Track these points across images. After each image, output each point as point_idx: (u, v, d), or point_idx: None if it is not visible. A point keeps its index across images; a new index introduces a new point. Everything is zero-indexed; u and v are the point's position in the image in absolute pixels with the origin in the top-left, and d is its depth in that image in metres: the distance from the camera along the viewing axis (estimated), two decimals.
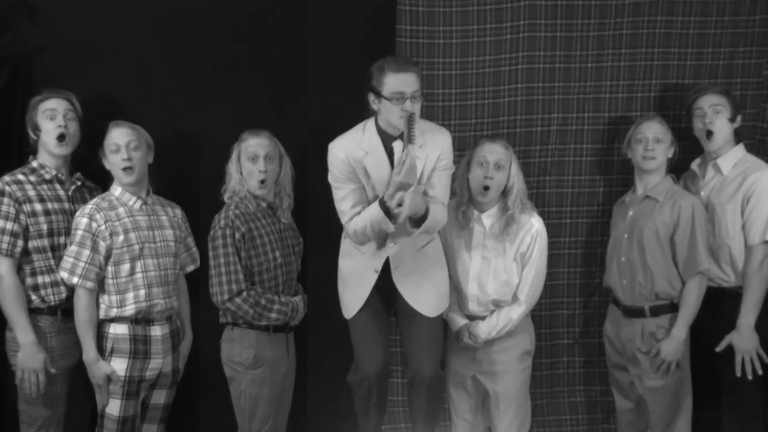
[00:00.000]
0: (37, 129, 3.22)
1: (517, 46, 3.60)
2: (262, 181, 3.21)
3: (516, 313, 3.29)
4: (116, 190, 3.21)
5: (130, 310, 3.13)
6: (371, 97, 3.06)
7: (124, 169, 3.15)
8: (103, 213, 3.13)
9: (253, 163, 3.22)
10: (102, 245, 3.11)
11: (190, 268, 3.42)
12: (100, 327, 3.14)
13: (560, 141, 3.70)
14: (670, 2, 3.59)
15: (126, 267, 3.14)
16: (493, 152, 3.25)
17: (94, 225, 3.10)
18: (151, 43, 3.61)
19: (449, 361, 3.41)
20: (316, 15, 3.66)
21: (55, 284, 3.17)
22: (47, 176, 3.23)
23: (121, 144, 3.16)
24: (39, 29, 3.55)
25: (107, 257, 3.12)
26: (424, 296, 3.20)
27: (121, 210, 3.18)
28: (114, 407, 3.13)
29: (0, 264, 3.10)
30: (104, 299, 3.15)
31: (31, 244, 3.15)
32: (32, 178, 3.21)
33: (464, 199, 3.32)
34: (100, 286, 3.15)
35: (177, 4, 3.62)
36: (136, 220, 3.19)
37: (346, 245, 3.27)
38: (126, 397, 3.13)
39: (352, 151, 3.11)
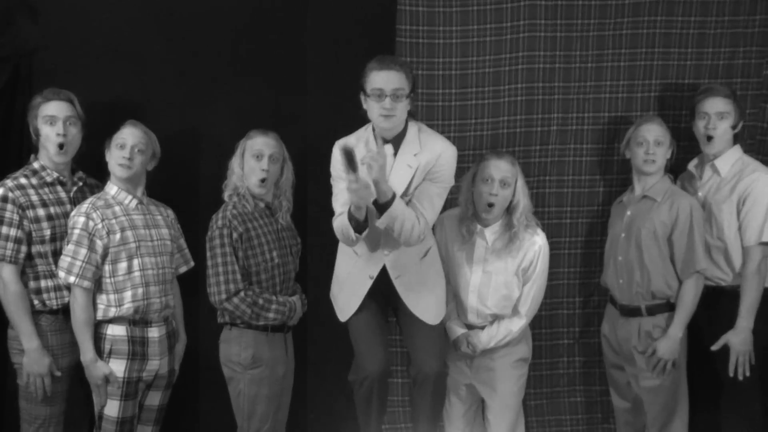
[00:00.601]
0: (37, 133, 3.21)
1: (517, 46, 3.60)
2: (263, 180, 3.21)
3: (516, 325, 3.29)
4: (111, 189, 3.21)
5: (128, 308, 3.13)
6: (362, 97, 3.07)
7: (121, 164, 3.15)
8: (99, 211, 3.12)
9: (256, 161, 3.22)
10: (99, 244, 3.11)
11: (183, 269, 3.42)
12: (98, 328, 3.14)
13: (560, 141, 3.70)
14: (670, 2, 3.59)
15: (123, 265, 3.14)
16: (499, 169, 3.21)
17: (91, 224, 3.10)
18: (151, 43, 3.61)
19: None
20: (316, 15, 3.66)
21: (57, 288, 3.17)
22: (49, 179, 3.22)
23: (128, 144, 3.16)
24: (39, 29, 3.55)
25: (104, 256, 3.12)
26: (427, 306, 3.20)
27: (117, 208, 3.18)
28: (112, 408, 3.13)
29: (4, 270, 3.10)
30: (102, 299, 3.14)
31: (34, 249, 3.15)
32: (34, 180, 3.20)
33: (468, 213, 3.29)
34: (98, 286, 3.14)
35: (177, 4, 3.62)
36: (132, 218, 3.19)
37: (343, 248, 3.27)
38: (124, 398, 3.13)
39: (357, 151, 3.09)
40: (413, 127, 3.14)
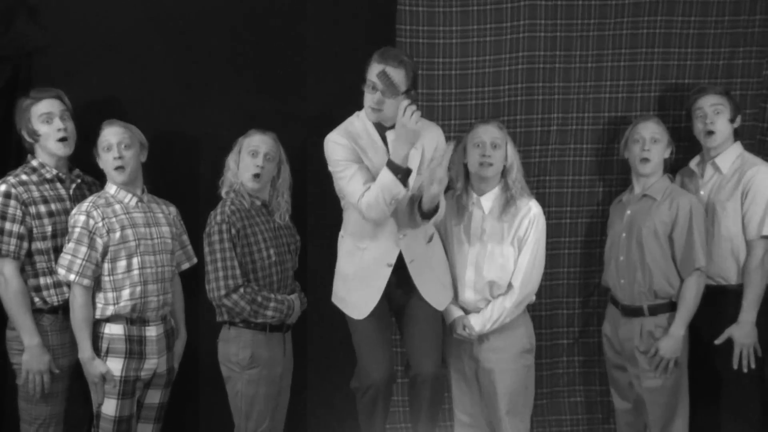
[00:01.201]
0: (35, 134, 3.21)
1: (517, 46, 3.60)
2: (256, 175, 3.21)
3: (509, 301, 3.25)
4: (111, 188, 3.22)
5: (125, 306, 3.13)
6: (364, 86, 3.08)
7: (116, 168, 3.16)
8: (100, 210, 3.13)
9: (252, 158, 3.23)
10: (99, 242, 3.11)
11: (185, 266, 3.42)
12: (96, 327, 3.14)
13: (560, 141, 3.70)
14: (670, 2, 3.59)
15: (123, 264, 3.14)
16: (487, 133, 3.26)
17: (92, 222, 3.11)
18: (151, 43, 3.61)
19: (449, 358, 3.40)
20: (316, 15, 3.66)
21: (57, 285, 3.18)
22: (48, 175, 3.23)
23: (113, 143, 3.16)
24: (39, 29, 3.55)
25: (104, 254, 3.12)
26: (434, 290, 3.21)
27: (117, 207, 3.18)
28: (110, 407, 3.13)
29: (6, 266, 3.11)
30: (100, 297, 3.15)
31: (34, 245, 3.15)
32: (34, 177, 3.21)
33: (459, 184, 3.31)
34: (97, 284, 3.15)
35: (177, 4, 3.62)
36: (133, 216, 3.19)
37: (345, 245, 3.26)
38: (122, 396, 3.13)
39: (351, 136, 3.11)
40: None
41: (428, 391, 3.17)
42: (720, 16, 3.62)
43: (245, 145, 3.25)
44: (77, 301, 3.10)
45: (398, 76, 2.99)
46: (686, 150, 3.56)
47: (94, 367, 3.11)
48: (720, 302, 3.31)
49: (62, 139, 3.20)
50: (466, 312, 3.32)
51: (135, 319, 3.16)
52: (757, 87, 3.68)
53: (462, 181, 3.32)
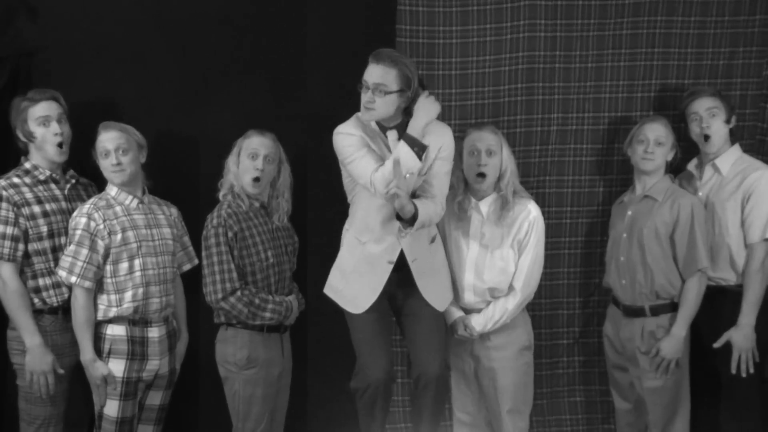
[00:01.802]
0: (31, 136, 3.20)
1: (517, 46, 3.60)
2: (256, 179, 3.21)
3: (511, 303, 3.27)
4: (112, 189, 3.22)
5: (127, 308, 3.13)
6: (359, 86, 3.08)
7: (114, 172, 3.15)
8: (101, 212, 3.13)
9: (251, 160, 3.22)
10: (100, 244, 3.11)
11: (187, 267, 3.43)
12: (98, 328, 3.14)
13: (560, 141, 3.70)
14: (670, 2, 3.59)
15: (124, 265, 3.14)
16: (482, 140, 3.26)
17: (93, 224, 3.10)
18: (151, 43, 3.61)
19: (449, 356, 3.39)
20: (316, 15, 3.66)
21: (56, 286, 3.17)
22: (42, 177, 3.23)
23: (110, 149, 3.15)
24: (39, 29, 3.55)
25: (105, 256, 3.12)
26: (435, 290, 3.21)
27: (118, 209, 3.18)
28: (112, 408, 3.13)
29: (3, 269, 3.10)
30: (102, 299, 3.15)
31: (31, 246, 3.15)
32: (27, 179, 3.21)
33: (460, 190, 3.32)
34: (98, 286, 3.15)
35: (177, 4, 3.62)
36: (133, 218, 3.19)
37: (347, 239, 3.25)
38: (124, 398, 3.14)
39: (358, 128, 3.11)
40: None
41: (432, 391, 3.17)
42: (720, 16, 3.62)
43: (244, 147, 3.25)
44: (78, 302, 3.10)
45: (389, 75, 2.98)
46: (685, 150, 3.55)
47: (95, 369, 3.11)
48: (719, 303, 3.31)
49: (59, 145, 3.19)
50: (466, 312, 3.32)
51: (137, 320, 3.16)
52: (757, 87, 3.68)
53: (461, 186, 3.32)
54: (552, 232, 3.60)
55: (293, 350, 3.42)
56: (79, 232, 3.10)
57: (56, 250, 3.17)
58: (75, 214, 3.15)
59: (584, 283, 3.80)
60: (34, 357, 3.10)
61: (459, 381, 3.42)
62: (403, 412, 3.76)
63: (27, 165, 3.24)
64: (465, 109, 3.65)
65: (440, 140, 3.12)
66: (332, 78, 3.63)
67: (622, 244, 3.40)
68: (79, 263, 3.08)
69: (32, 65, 3.56)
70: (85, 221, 3.11)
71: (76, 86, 3.37)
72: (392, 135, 3.07)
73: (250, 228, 3.21)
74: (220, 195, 3.27)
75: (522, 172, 3.45)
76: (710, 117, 3.35)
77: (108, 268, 3.13)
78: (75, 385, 3.26)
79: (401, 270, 3.15)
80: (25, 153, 3.28)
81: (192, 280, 3.43)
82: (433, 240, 3.24)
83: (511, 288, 3.30)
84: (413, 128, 2.99)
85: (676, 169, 3.48)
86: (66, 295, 3.17)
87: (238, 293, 3.13)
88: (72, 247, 3.10)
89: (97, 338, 3.14)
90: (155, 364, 3.20)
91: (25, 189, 3.18)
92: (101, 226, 3.11)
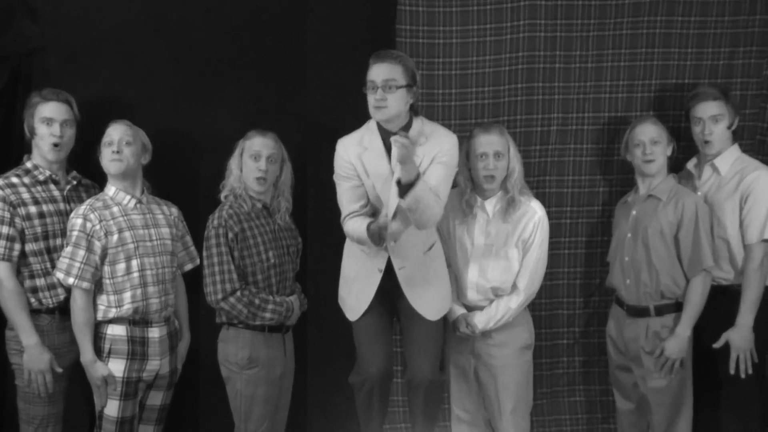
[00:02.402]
0: (33, 132, 3.22)
1: (517, 46, 3.60)
2: (261, 180, 3.21)
3: (515, 302, 3.28)
4: (110, 189, 3.21)
5: (127, 309, 3.13)
6: (364, 88, 3.07)
7: (112, 160, 3.15)
8: (97, 213, 3.12)
9: (254, 162, 3.22)
10: (97, 245, 3.11)
11: (189, 267, 3.42)
12: (98, 328, 3.14)
13: (560, 141, 3.70)
14: (670, 2, 3.60)
15: (122, 266, 3.14)
16: (490, 144, 3.25)
17: (89, 225, 3.10)
18: (151, 43, 3.61)
19: (449, 353, 3.40)
20: (317, 15, 3.66)
21: (52, 287, 3.17)
22: (41, 177, 3.23)
23: (115, 138, 3.16)
24: (39, 29, 3.55)
25: (103, 257, 3.12)
26: (427, 300, 3.20)
27: (115, 209, 3.17)
28: (112, 408, 3.13)
29: None
30: (102, 300, 3.14)
31: (28, 247, 3.14)
32: (26, 179, 3.20)
33: (467, 189, 3.32)
34: (98, 287, 3.14)
35: (177, 4, 3.62)
36: (131, 218, 3.19)
37: (349, 248, 3.27)
38: (124, 398, 3.13)
39: (352, 148, 3.13)
40: (417, 121, 3.14)
41: (422, 396, 3.19)
42: (720, 16, 3.62)
43: (246, 148, 3.25)
44: (77, 304, 3.10)
45: (396, 70, 3.00)
46: (686, 150, 3.56)
47: (95, 369, 3.11)
48: (719, 302, 3.31)
49: (55, 145, 3.19)
50: (469, 309, 3.33)
51: (138, 320, 3.16)
52: (757, 87, 3.68)
53: (468, 185, 3.32)
54: (552, 232, 3.58)
55: (294, 351, 3.41)
56: (75, 233, 3.10)
57: (52, 251, 3.17)
58: (71, 215, 3.15)
59: (584, 283, 3.80)
60: (31, 356, 3.10)
61: (459, 378, 3.41)
62: (403, 412, 3.76)
63: (28, 164, 3.25)
64: (465, 109, 3.65)
65: (437, 148, 3.09)
66: (332, 78, 3.63)
67: (627, 244, 3.40)
68: (76, 264, 3.08)
69: (32, 65, 3.56)
70: (81, 222, 3.10)
71: (75, 86, 3.37)
72: (395, 141, 3.03)
73: (251, 228, 3.21)
74: (222, 196, 3.27)
75: (520, 154, 3.42)
76: (713, 123, 3.35)
77: (106, 268, 3.13)
78: (75, 384, 3.26)
79: (394, 277, 3.16)
80: (29, 151, 3.28)
81: (193, 280, 3.43)
82: (429, 248, 3.22)
83: (514, 287, 3.30)
84: (381, 217, 3.08)
85: (674, 167, 3.48)
86: (62, 297, 3.17)
87: (238, 294, 3.14)
88: (69, 249, 3.10)
89: (98, 338, 3.14)
90: (156, 364, 3.20)
91: (22, 189, 3.17)
92: (97, 227, 3.11)
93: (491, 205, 3.31)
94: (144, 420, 3.27)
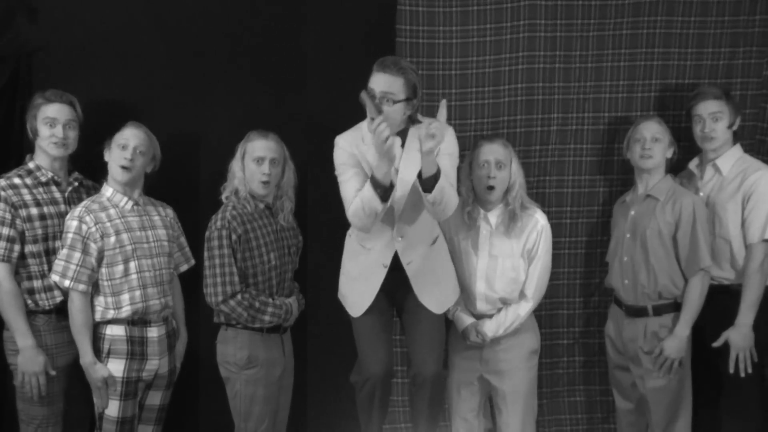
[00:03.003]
0: (35, 133, 3.22)
1: (517, 46, 3.60)
2: (265, 183, 3.21)
3: (524, 309, 3.31)
4: (107, 191, 3.21)
5: (126, 311, 3.13)
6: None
7: (123, 167, 3.15)
8: (93, 215, 3.12)
9: (257, 165, 3.21)
10: (93, 247, 3.10)
11: (184, 267, 3.43)
12: (97, 329, 3.14)
13: (560, 141, 3.70)
14: (670, 2, 3.60)
15: (120, 268, 3.14)
16: (493, 152, 3.28)
17: (84, 227, 3.10)
18: (151, 43, 3.61)
19: (454, 362, 3.41)
20: (316, 15, 3.66)
21: (49, 289, 3.17)
22: (43, 179, 3.23)
23: (130, 145, 3.16)
24: (39, 29, 3.55)
25: (99, 259, 3.12)
26: (434, 293, 3.21)
27: (112, 211, 3.17)
28: (112, 408, 3.13)
29: None
30: (100, 301, 3.15)
31: (27, 248, 3.15)
32: (28, 180, 3.20)
33: (470, 200, 3.34)
34: (95, 288, 3.14)
35: (177, 4, 3.62)
36: (128, 221, 3.19)
37: (350, 245, 3.27)
38: (124, 398, 3.14)
39: (354, 142, 3.12)
40: (413, 129, 3.12)
41: (428, 391, 3.18)
42: (720, 16, 3.62)
43: (248, 151, 3.23)
44: (75, 306, 3.10)
45: (396, 84, 2.97)
46: (686, 150, 3.56)
47: (95, 371, 3.11)
48: (720, 302, 3.31)
49: (56, 143, 3.19)
50: (478, 318, 3.34)
51: (136, 320, 3.16)
52: (757, 87, 3.68)
53: (470, 196, 3.34)
54: (552, 232, 3.57)
55: (294, 350, 3.41)
56: (70, 235, 3.10)
57: (50, 254, 3.17)
58: (67, 217, 3.14)
59: (584, 283, 3.80)
60: (26, 358, 3.10)
61: (462, 386, 3.41)
62: (403, 412, 3.76)
63: (30, 165, 3.25)
64: (465, 109, 3.65)
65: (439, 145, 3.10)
66: (332, 78, 3.63)
67: (625, 244, 3.41)
68: (72, 266, 3.08)
69: (32, 65, 3.56)
70: (77, 224, 3.10)
71: (75, 86, 3.37)
72: (396, 140, 3.05)
73: (254, 230, 3.20)
74: (223, 197, 3.26)
75: (522, 168, 3.43)
76: (713, 122, 3.35)
77: (103, 270, 3.13)
78: (74, 384, 3.25)
79: (400, 270, 3.16)
80: (30, 150, 3.28)
81: (191, 281, 3.43)
82: (434, 241, 3.24)
83: (522, 295, 3.33)
84: (377, 170, 2.91)
85: (676, 167, 3.48)
86: (58, 300, 3.17)
87: (239, 297, 3.13)
88: (64, 251, 3.09)
89: (97, 338, 3.14)
90: (155, 363, 3.20)
91: (24, 190, 3.17)
92: (93, 229, 3.10)
93: (494, 217, 3.32)
94: (143, 420, 3.27)
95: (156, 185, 3.38)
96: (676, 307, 3.33)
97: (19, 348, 3.11)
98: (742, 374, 3.25)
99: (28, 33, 3.55)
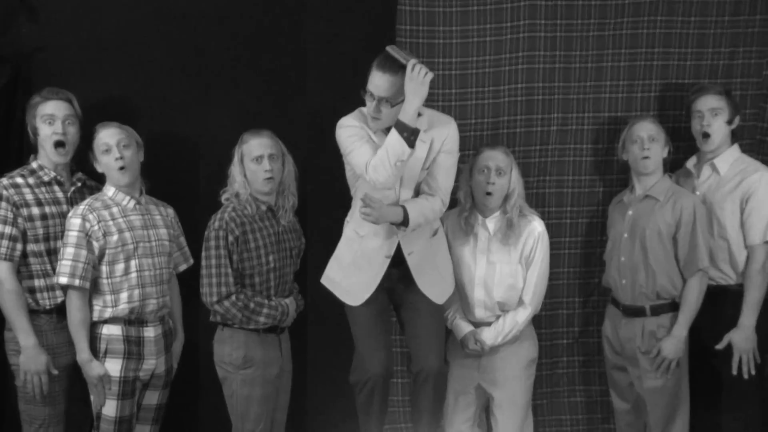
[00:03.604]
0: (35, 132, 3.22)
1: (517, 46, 3.60)
2: (269, 179, 3.20)
3: (522, 316, 3.31)
4: (109, 190, 3.21)
5: (123, 310, 3.14)
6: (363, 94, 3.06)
7: (120, 168, 3.15)
8: (95, 213, 3.12)
9: (257, 164, 3.20)
10: (95, 245, 3.11)
11: (183, 267, 3.43)
12: (94, 328, 3.14)
13: (560, 141, 3.70)
14: (670, 2, 3.59)
15: (120, 267, 3.14)
16: (493, 159, 3.28)
17: (87, 225, 3.10)
18: (151, 43, 3.61)
19: (451, 370, 3.38)
20: (316, 15, 3.66)
21: (50, 288, 3.17)
22: (46, 178, 3.23)
23: (112, 144, 3.16)
24: (39, 29, 3.55)
25: (100, 257, 3.12)
26: (434, 284, 3.21)
27: (114, 210, 3.17)
28: (110, 408, 3.13)
29: (0, 268, 3.10)
30: (98, 300, 3.15)
31: (28, 247, 3.15)
32: (31, 180, 3.20)
33: (467, 206, 3.34)
34: (94, 287, 3.14)
35: (177, 4, 3.62)
36: (130, 219, 3.19)
37: (348, 230, 3.25)
38: (121, 397, 3.14)
39: (359, 122, 3.10)
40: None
41: (431, 387, 3.18)
42: (720, 16, 3.62)
43: (246, 152, 3.22)
44: (73, 303, 3.10)
45: (395, 86, 2.96)
46: (686, 150, 3.56)
47: (92, 369, 3.11)
48: (719, 302, 3.31)
49: (58, 144, 3.18)
50: (476, 325, 3.34)
51: (133, 320, 3.16)
52: (757, 87, 3.68)
53: (468, 202, 3.34)
54: (552, 232, 3.59)
55: (293, 350, 3.41)
56: (74, 233, 3.10)
57: (52, 253, 3.17)
58: (70, 214, 3.14)
59: (584, 283, 3.80)
60: (28, 357, 3.11)
61: (459, 395, 3.40)
62: (403, 412, 3.76)
63: (33, 164, 3.25)
64: (465, 109, 3.65)
65: (443, 133, 3.12)
66: (332, 78, 3.63)
67: (623, 244, 3.40)
68: (80, 265, 3.08)
69: (32, 65, 3.56)
70: (80, 222, 3.10)
71: (76, 86, 3.36)
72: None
73: (254, 231, 3.20)
74: (223, 198, 3.25)
75: (522, 172, 3.45)
76: (712, 116, 3.35)
77: (104, 269, 3.13)
78: (75, 384, 3.25)
79: (400, 265, 3.16)
80: (31, 151, 3.28)
81: (191, 281, 3.43)
82: (435, 233, 3.24)
83: (520, 302, 3.33)
84: (404, 112, 2.93)
85: (673, 167, 3.48)
86: (59, 299, 3.17)
87: (233, 297, 3.13)
88: (69, 250, 3.09)
89: (93, 338, 3.14)
90: (151, 363, 3.20)
91: (26, 190, 3.17)
92: (95, 227, 3.10)
93: (492, 223, 3.32)
94: (141, 420, 3.27)
95: (156, 185, 3.38)
96: (673, 307, 3.32)
97: (21, 347, 3.11)
98: (746, 376, 3.24)
99: (28, 33, 3.54)
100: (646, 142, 3.34)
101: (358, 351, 3.23)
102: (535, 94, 3.65)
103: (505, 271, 3.30)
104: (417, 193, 3.17)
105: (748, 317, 3.25)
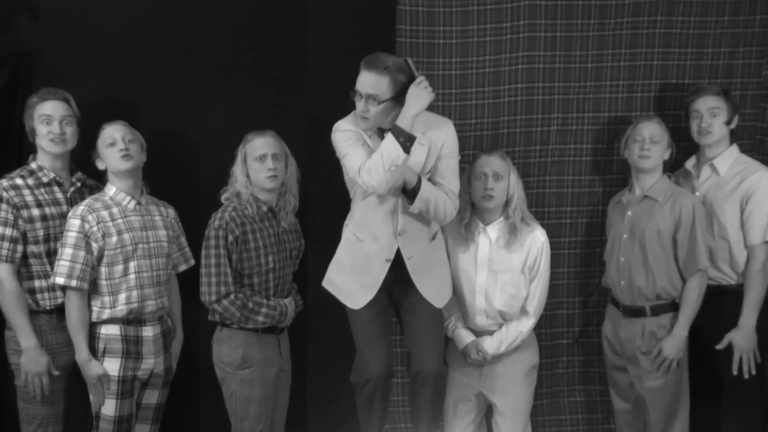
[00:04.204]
0: (33, 132, 3.22)
1: (517, 46, 3.60)
2: (272, 177, 3.19)
3: (525, 326, 3.32)
4: (110, 190, 3.21)
5: (121, 310, 3.14)
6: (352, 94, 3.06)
7: (123, 155, 3.14)
8: (95, 214, 3.12)
9: (261, 163, 3.20)
10: (94, 246, 3.11)
11: (183, 267, 3.43)
12: (92, 328, 3.14)
13: (560, 141, 3.70)
14: (670, 2, 3.59)
15: (119, 268, 3.14)
16: (490, 165, 3.28)
17: (86, 226, 3.10)
18: (151, 43, 3.61)
19: (452, 378, 3.39)
20: (317, 15, 3.66)
21: (51, 289, 3.18)
22: (45, 179, 3.23)
23: (117, 137, 3.16)
24: (39, 29, 3.55)
25: (99, 258, 3.12)
26: (434, 287, 3.21)
27: (114, 210, 3.17)
28: (109, 407, 3.14)
29: (0, 269, 3.11)
30: (97, 301, 3.15)
31: (28, 249, 3.15)
32: (30, 181, 3.20)
33: (467, 213, 3.33)
34: (93, 288, 3.15)
35: (176, 4, 3.62)
36: (130, 220, 3.19)
37: (347, 234, 3.26)
38: (120, 396, 3.14)
39: (354, 126, 3.10)
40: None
41: (430, 387, 3.18)
42: (720, 16, 3.62)
43: (249, 152, 3.22)
44: (72, 303, 3.10)
45: (381, 84, 2.96)
46: (686, 150, 3.56)
47: (90, 368, 3.11)
48: (719, 302, 3.31)
49: (53, 139, 3.19)
50: (477, 333, 3.34)
51: (131, 320, 3.16)
52: (757, 87, 3.68)
53: (469, 210, 3.33)
54: (552, 232, 3.60)
55: (293, 350, 3.41)
56: (73, 234, 3.10)
57: (51, 254, 3.17)
58: (69, 214, 3.14)
59: (584, 283, 3.80)
60: (29, 358, 3.11)
61: (459, 403, 3.40)
62: (403, 412, 3.76)
63: (33, 165, 3.25)
64: (465, 109, 3.65)
65: (442, 137, 3.12)
66: (332, 78, 3.62)
67: (623, 244, 3.40)
68: (78, 266, 3.08)
69: (32, 65, 3.56)
70: (79, 223, 3.10)
71: (75, 86, 3.37)
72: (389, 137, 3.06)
73: (254, 232, 3.20)
74: (223, 198, 3.25)
75: (522, 172, 3.45)
76: (711, 116, 3.35)
77: (103, 270, 3.13)
78: (74, 384, 3.26)
79: (399, 267, 3.16)
80: (30, 151, 3.28)
81: (191, 281, 3.43)
82: (433, 237, 3.24)
83: (524, 311, 3.33)
84: (402, 118, 2.94)
85: (673, 167, 3.48)
86: (60, 300, 3.17)
87: (232, 297, 3.13)
88: (68, 250, 3.09)
89: (92, 338, 3.14)
90: (150, 362, 3.20)
91: (26, 191, 3.18)
92: (95, 228, 3.10)
93: (494, 231, 3.31)
94: (140, 419, 3.27)
95: (156, 185, 3.38)
96: (673, 307, 3.33)
97: (22, 348, 3.12)
98: (746, 376, 3.25)
99: (28, 33, 3.54)
100: (647, 142, 3.34)
101: (359, 351, 3.23)
102: (535, 94, 3.65)
103: (507, 280, 3.30)
104: None
105: (749, 317, 3.25)
